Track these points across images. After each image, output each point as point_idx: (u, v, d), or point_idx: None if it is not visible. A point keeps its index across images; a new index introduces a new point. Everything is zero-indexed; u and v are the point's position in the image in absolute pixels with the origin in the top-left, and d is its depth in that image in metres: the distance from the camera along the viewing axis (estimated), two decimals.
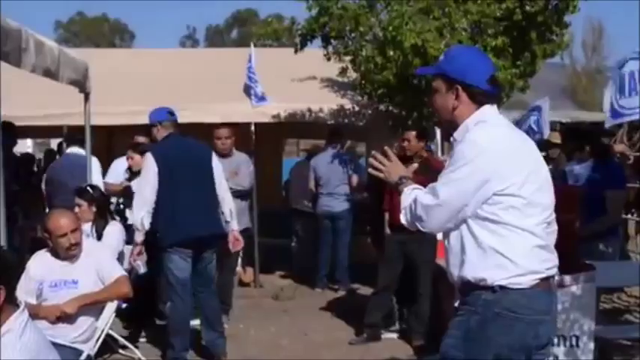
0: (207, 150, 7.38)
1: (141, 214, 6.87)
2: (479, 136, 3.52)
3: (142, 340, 7.90)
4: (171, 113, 7.27)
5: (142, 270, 7.13)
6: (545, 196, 3.62)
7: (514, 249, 3.48)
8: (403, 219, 3.65)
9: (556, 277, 5.77)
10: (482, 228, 3.50)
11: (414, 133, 7.53)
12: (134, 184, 7.96)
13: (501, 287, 3.48)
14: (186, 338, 7.06)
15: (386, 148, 3.82)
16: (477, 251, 3.52)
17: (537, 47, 8.56)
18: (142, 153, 7.49)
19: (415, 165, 3.91)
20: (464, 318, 3.59)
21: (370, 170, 3.83)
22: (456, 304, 3.70)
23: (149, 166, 6.93)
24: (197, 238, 6.92)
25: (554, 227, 3.72)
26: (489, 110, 3.62)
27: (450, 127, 3.67)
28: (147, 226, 6.87)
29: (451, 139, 3.67)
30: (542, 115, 10.15)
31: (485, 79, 3.61)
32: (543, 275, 3.55)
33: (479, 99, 3.60)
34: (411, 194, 3.63)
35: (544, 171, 3.67)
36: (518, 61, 8.68)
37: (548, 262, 3.60)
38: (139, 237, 6.93)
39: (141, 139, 8.61)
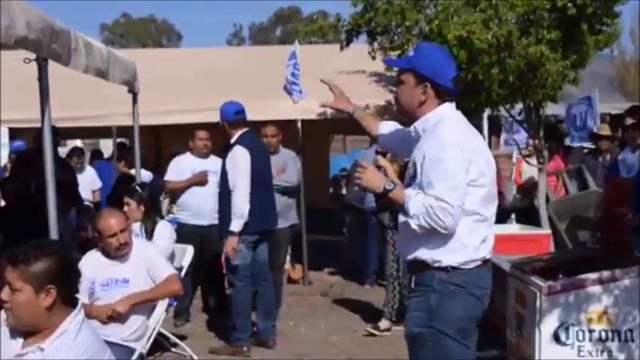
0: (267, 148, 7.93)
1: (247, 206, 7.24)
2: (452, 132, 3.85)
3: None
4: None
5: (238, 261, 7.38)
6: (495, 188, 4.05)
7: (473, 238, 3.87)
8: (415, 224, 3.79)
9: (606, 272, 5.74)
10: None
11: None
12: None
13: (453, 267, 3.86)
14: (248, 321, 7.57)
15: (357, 160, 4.06)
16: (438, 235, 3.80)
17: (588, 38, 8.42)
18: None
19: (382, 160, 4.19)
20: (423, 298, 3.92)
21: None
22: (412, 286, 4.02)
23: (244, 158, 7.31)
24: (265, 231, 7.54)
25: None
26: (450, 107, 3.98)
27: (409, 117, 4.04)
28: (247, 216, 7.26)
29: (411, 128, 4.03)
30: (593, 107, 10.03)
31: (450, 79, 3.96)
32: (486, 258, 3.96)
33: (443, 96, 3.96)
34: (419, 199, 3.78)
35: (493, 165, 4.04)
36: (569, 53, 8.55)
37: (491, 248, 4.01)
38: (237, 226, 7.24)
39: (202, 134, 8.70)
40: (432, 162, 3.77)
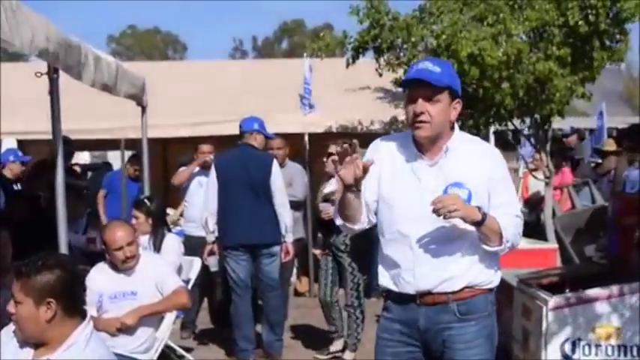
0: (268, 161, 7.65)
1: (205, 215, 7.54)
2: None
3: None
4: (260, 125, 7.81)
5: (214, 268, 7.85)
6: None
7: None
8: (507, 247, 3.67)
9: (614, 288, 5.73)
10: None
11: None
12: None
13: (495, 287, 3.79)
14: (249, 333, 7.58)
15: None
16: (489, 256, 3.70)
17: (598, 54, 8.42)
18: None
19: None
20: (480, 325, 3.72)
21: (449, 216, 3.52)
22: (458, 315, 3.71)
23: (211, 172, 7.57)
24: (245, 245, 7.45)
25: None
26: None
27: (433, 138, 3.67)
28: (211, 227, 7.48)
29: (444, 147, 3.69)
30: (602, 121, 10.05)
31: None
32: None
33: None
34: (509, 222, 3.67)
35: None
36: (578, 69, 8.55)
37: None
38: (207, 237, 7.57)
39: (205, 147, 8.76)
40: (499, 181, 3.71)
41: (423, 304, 3.70)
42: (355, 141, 3.54)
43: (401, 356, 3.80)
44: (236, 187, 7.41)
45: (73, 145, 9.58)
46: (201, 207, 7.94)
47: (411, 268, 3.68)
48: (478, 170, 3.66)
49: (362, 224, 3.78)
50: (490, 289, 3.75)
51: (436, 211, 3.47)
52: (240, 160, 7.53)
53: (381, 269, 3.85)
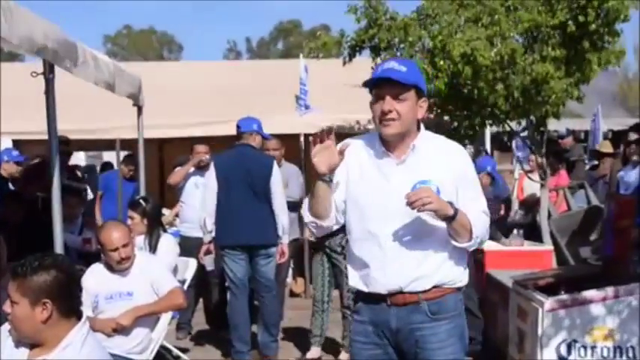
0: (268, 162, 7.66)
1: (203, 215, 7.52)
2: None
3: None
4: (258, 125, 7.81)
5: (210, 267, 7.98)
6: None
7: None
8: (476, 243, 3.67)
9: (609, 289, 5.73)
10: None
11: None
12: None
13: (463, 286, 3.78)
14: (245, 334, 7.54)
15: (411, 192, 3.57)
16: (458, 255, 3.70)
17: (591, 55, 8.41)
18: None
19: None
20: (452, 325, 3.71)
21: (423, 209, 3.51)
22: (430, 315, 3.69)
23: (211, 172, 7.57)
24: (243, 245, 7.45)
25: None
26: None
27: (400, 137, 3.68)
28: (209, 226, 7.47)
29: (411, 145, 3.69)
30: (596, 123, 10.05)
31: None
32: None
33: None
34: (477, 217, 3.66)
35: None
36: (572, 71, 8.54)
37: None
38: (205, 237, 7.58)
39: (201, 148, 8.76)
40: (466, 178, 3.71)
41: (394, 304, 3.69)
42: (333, 126, 3.44)
43: (379, 357, 3.79)
44: (235, 187, 7.42)
45: (69, 144, 9.61)
46: (198, 208, 7.95)
47: (382, 267, 3.67)
48: (445, 167, 3.67)
49: (330, 221, 3.74)
50: (459, 289, 3.75)
51: (410, 204, 3.47)
52: (241, 161, 7.53)
53: (350, 270, 3.83)
